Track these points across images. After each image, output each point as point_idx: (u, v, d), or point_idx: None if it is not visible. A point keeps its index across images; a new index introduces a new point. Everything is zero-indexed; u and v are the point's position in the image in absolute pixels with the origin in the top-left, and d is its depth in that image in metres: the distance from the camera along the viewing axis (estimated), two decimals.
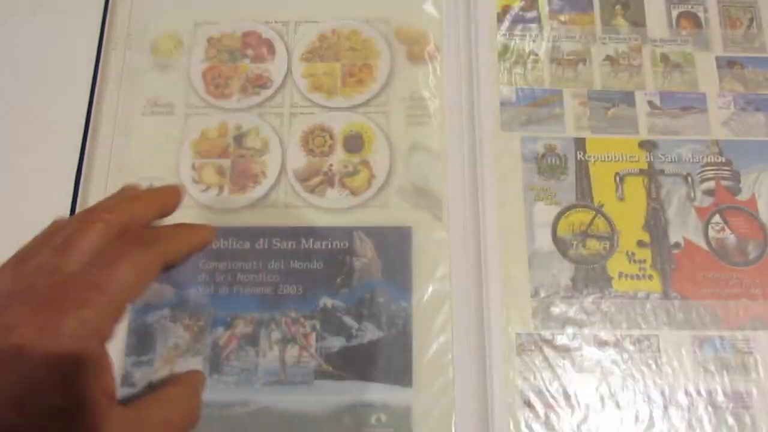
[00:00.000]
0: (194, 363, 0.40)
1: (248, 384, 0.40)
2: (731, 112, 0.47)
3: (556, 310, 0.42)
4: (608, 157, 0.45)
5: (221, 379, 0.40)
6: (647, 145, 0.46)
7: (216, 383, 0.40)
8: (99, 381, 0.26)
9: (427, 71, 0.47)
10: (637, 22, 0.49)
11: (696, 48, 0.48)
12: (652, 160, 0.45)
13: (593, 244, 0.44)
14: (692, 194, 0.45)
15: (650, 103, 0.47)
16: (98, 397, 0.26)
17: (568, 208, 0.44)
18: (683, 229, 0.44)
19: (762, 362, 0.41)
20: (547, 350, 0.41)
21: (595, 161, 0.45)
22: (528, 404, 0.40)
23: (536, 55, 0.48)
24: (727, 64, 0.48)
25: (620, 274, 0.43)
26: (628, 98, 0.47)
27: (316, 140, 0.45)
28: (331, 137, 0.45)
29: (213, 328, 0.41)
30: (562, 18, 0.49)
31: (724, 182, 0.45)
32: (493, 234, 0.43)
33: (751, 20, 0.49)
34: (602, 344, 0.41)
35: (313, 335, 0.41)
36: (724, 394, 0.41)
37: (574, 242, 0.44)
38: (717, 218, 0.45)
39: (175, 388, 0.33)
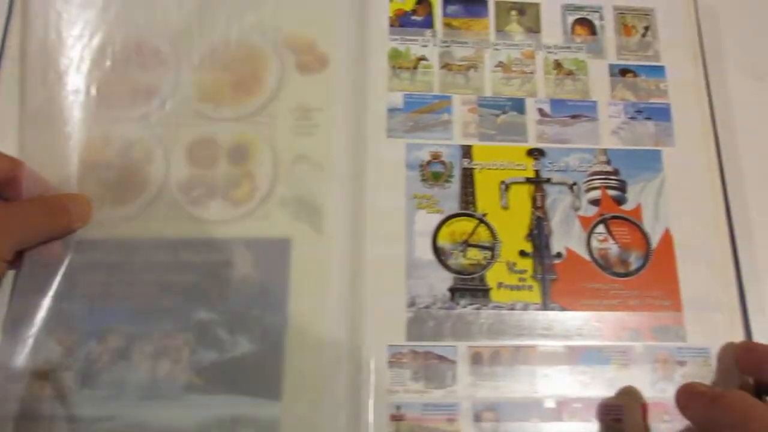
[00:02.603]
0: (66, 378, 0.39)
1: (118, 399, 0.39)
2: (621, 121, 0.47)
3: (432, 321, 0.42)
4: (495, 165, 0.45)
5: (92, 394, 0.39)
6: (535, 153, 0.45)
7: (86, 398, 0.39)
8: None
9: (317, 80, 0.46)
10: (532, 29, 0.48)
11: (589, 55, 0.48)
12: (539, 168, 0.45)
13: (474, 254, 0.43)
14: (577, 203, 0.45)
15: (540, 110, 0.46)
16: None
17: (451, 217, 0.44)
18: (566, 238, 0.44)
19: (636, 375, 0.42)
20: (421, 363, 0.41)
21: (481, 169, 0.45)
22: (399, 418, 0.40)
23: (427, 60, 0.47)
24: (619, 72, 0.48)
25: (499, 285, 0.43)
26: (518, 105, 0.46)
27: (201, 152, 0.44)
28: (216, 148, 0.44)
29: (86, 341, 0.40)
30: (456, 23, 0.48)
31: (610, 191, 0.45)
32: (372, 244, 0.43)
33: (647, 28, 0.49)
34: (477, 357, 0.41)
35: (186, 349, 0.41)
36: (599, 406, 0.41)
37: (455, 251, 0.43)
38: (600, 228, 0.44)
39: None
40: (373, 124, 0.45)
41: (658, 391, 0.41)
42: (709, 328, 0.42)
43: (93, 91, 0.45)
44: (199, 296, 0.41)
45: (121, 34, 0.47)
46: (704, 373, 0.42)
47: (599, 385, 0.41)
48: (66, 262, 0.41)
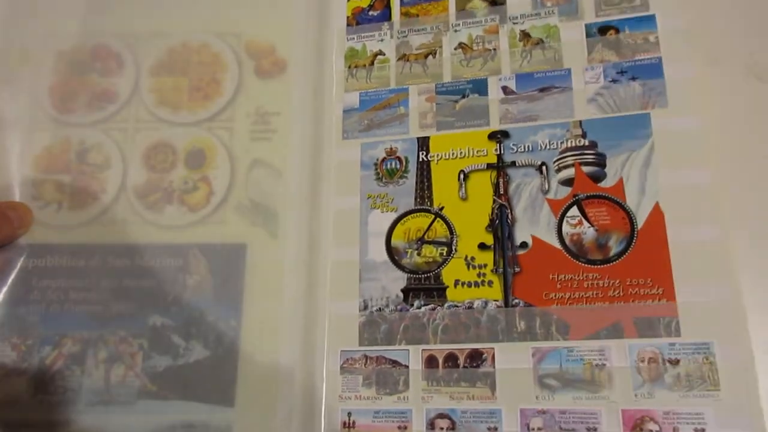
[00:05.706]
0: (19, 383, 0.41)
1: (72, 404, 0.40)
2: (600, 86, 0.41)
3: (384, 324, 0.39)
4: (453, 154, 0.41)
5: (45, 399, 0.41)
6: (498, 136, 0.41)
7: (39, 404, 0.40)
8: None
9: (275, 85, 0.46)
10: (496, 1, 0.44)
11: (562, 18, 0.43)
12: (502, 152, 0.41)
13: (429, 251, 0.40)
14: (546, 186, 0.40)
15: (504, 88, 0.42)
16: None
17: (406, 214, 0.41)
18: (533, 226, 0.39)
19: (615, 377, 0.35)
20: (372, 368, 0.38)
21: (438, 160, 0.42)
22: (350, 425, 0.38)
23: (384, 54, 0.45)
24: (598, 32, 0.42)
25: (456, 283, 0.39)
26: (480, 86, 0.42)
27: (158, 156, 0.45)
28: (174, 153, 0.45)
29: (41, 347, 0.42)
30: (414, 10, 0.45)
31: (585, 168, 0.39)
32: (326, 248, 0.41)
33: None
34: (431, 360, 0.38)
35: (140, 354, 0.41)
36: (567, 413, 0.35)
37: (409, 250, 0.40)
38: (574, 210, 0.39)
39: None
40: (329, 127, 0.44)
41: (643, 395, 0.35)
42: (709, 320, 0.35)
43: (50, 96, 0.47)
44: (154, 302, 0.42)
45: (78, 39, 0.48)
46: (703, 374, 0.34)
47: (569, 389, 0.36)
48: (19, 267, 0.43)
